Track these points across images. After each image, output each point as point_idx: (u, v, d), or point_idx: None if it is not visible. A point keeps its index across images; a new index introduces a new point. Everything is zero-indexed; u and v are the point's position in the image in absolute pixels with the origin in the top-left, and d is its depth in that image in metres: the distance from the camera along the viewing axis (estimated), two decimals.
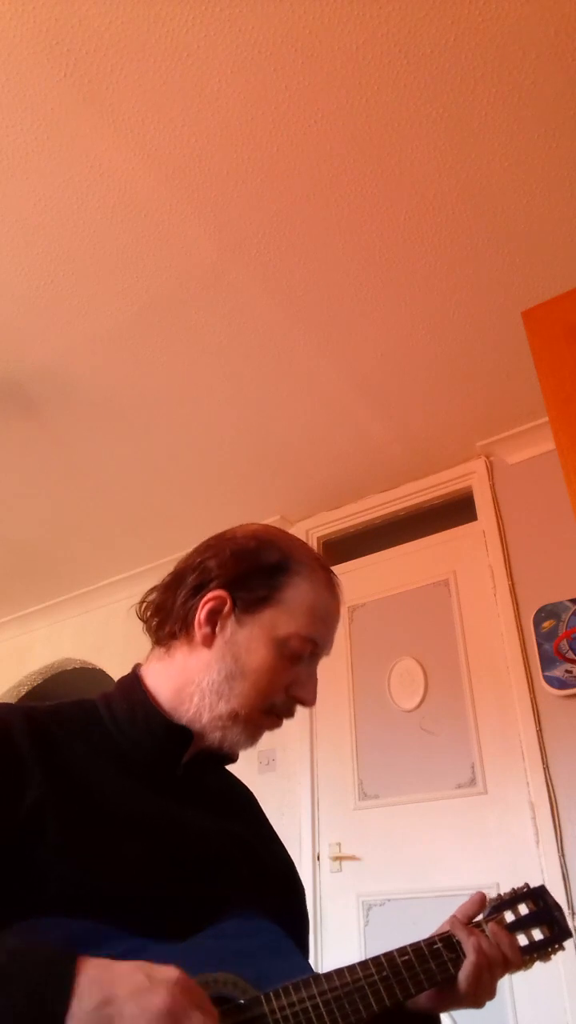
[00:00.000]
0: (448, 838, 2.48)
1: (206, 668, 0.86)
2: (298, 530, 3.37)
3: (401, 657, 2.83)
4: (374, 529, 3.23)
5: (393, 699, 2.79)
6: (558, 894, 2.18)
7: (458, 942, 0.80)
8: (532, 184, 1.88)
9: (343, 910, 2.59)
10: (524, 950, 0.85)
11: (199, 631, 0.87)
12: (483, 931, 0.82)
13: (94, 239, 2.00)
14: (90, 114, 1.70)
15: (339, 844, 2.69)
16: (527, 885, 0.90)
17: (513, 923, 0.86)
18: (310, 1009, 0.69)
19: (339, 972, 0.74)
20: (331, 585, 0.92)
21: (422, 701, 2.72)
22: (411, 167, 1.84)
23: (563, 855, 2.23)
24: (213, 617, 0.87)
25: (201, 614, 0.87)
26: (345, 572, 3.15)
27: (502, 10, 1.54)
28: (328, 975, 0.73)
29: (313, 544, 3.33)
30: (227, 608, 0.87)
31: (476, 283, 2.17)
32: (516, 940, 0.83)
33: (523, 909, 0.87)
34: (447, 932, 0.81)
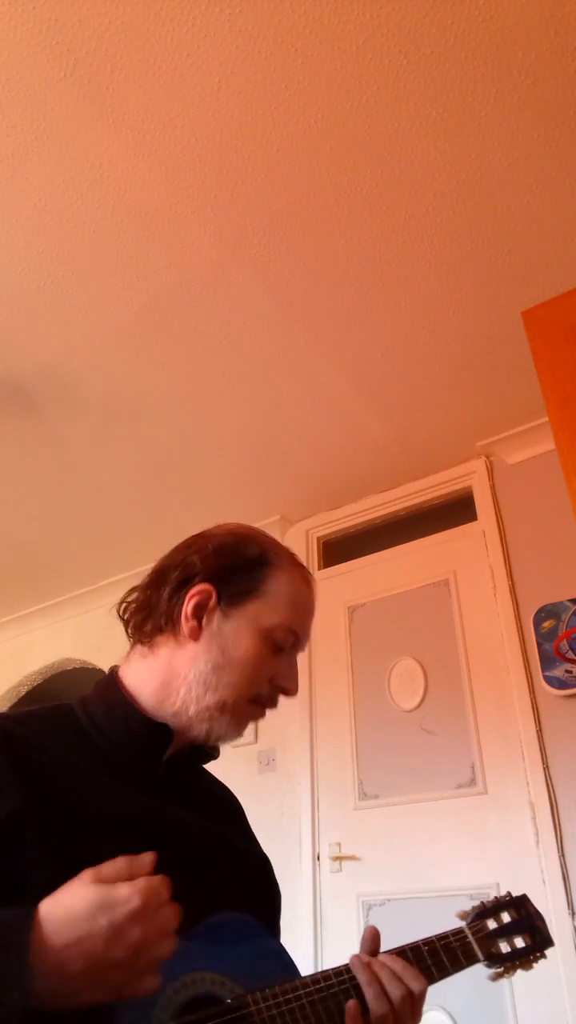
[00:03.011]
0: (448, 838, 2.48)
1: (193, 660, 0.87)
2: (298, 530, 3.37)
3: (401, 657, 2.83)
4: (374, 529, 3.23)
5: (393, 699, 2.79)
6: (558, 894, 2.18)
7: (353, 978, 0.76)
8: (532, 184, 1.88)
9: (343, 910, 2.59)
10: (506, 958, 0.85)
11: (186, 624, 0.88)
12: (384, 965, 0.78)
13: (94, 239, 2.00)
14: (90, 114, 1.70)
15: (339, 844, 2.69)
16: (509, 894, 0.91)
17: (495, 931, 0.86)
18: (296, 1009, 0.70)
19: (324, 974, 0.74)
20: (307, 579, 0.96)
21: (422, 701, 2.72)
22: (411, 167, 1.84)
23: (563, 855, 2.23)
24: (199, 611, 0.89)
25: (188, 608, 0.88)
26: (345, 572, 3.16)
27: (502, 10, 1.54)
28: (314, 976, 0.74)
29: (313, 544, 3.33)
30: (212, 601, 0.89)
31: (476, 283, 2.17)
32: (414, 966, 0.79)
33: (505, 917, 0.88)
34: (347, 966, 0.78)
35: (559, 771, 2.34)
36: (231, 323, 2.29)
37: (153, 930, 0.61)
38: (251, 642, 0.88)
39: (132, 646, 0.93)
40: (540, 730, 2.41)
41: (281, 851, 2.75)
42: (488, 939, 0.86)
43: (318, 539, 3.34)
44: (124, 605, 0.95)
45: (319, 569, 3.26)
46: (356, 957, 0.79)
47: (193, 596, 0.89)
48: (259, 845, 0.98)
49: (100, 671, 3.69)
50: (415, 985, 0.77)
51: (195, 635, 0.88)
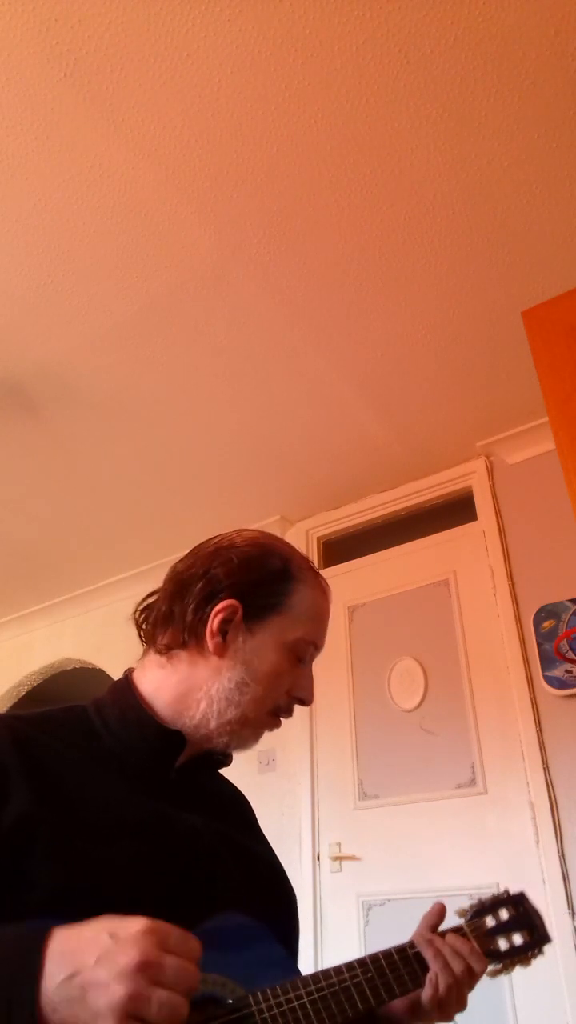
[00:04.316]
0: (448, 838, 2.48)
1: (216, 675, 0.87)
2: (298, 530, 3.37)
3: (401, 657, 2.83)
4: (374, 529, 3.23)
5: (393, 699, 2.79)
6: (558, 894, 2.18)
7: (417, 953, 0.80)
8: (532, 184, 1.88)
9: (343, 910, 2.59)
10: (504, 955, 0.85)
11: (211, 640, 0.87)
12: (445, 942, 0.82)
13: (94, 239, 2.00)
14: (90, 114, 1.70)
15: (339, 844, 2.69)
16: (507, 891, 0.91)
17: (493, 928, 0.86)
18: (297, 1008, 0.70)
19: (325, 973, 0.75)
20: (324, 588, 0.96)
21: (422, 701, 2.72)
22: (411, 167, 1.84)
23: (563, 855, 2.23)
24: (224, 626, 0.87)
25: (213, 624, 0.87)
26: (345, 572, 3.16)
27: (502, 10, 1.54)
28: (315, 975, 0.74)
29: (313, 544, 3.33)
30: (238, 617, 0.88)
31: (476, 283, 2.17)
32: (477, 948, 0.83)
33: (503, 914, 0.88)
34: (410, 941, 0.81)
35: (559, 771, 2.34)
36: (231, 323, 2.29)
37: (157, 961, 0.58)
38: (276, 657, 0.88)
39: (146, 652, 0.93)
40: (540, 730, 2.41)
41: (281, 851, 2.74)
42: (487, 937, 0.86)
43: (318, 539, 3.34)
44: (143, 613, 0.94)
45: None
46: (419, 933, 0.82)
47: (219, 612, 0.87)
48: (272, 851, 0.97)
49: (100, 671, 3.69)
50: (477, 965, 0.81)
51: (220, 651, 0.87)
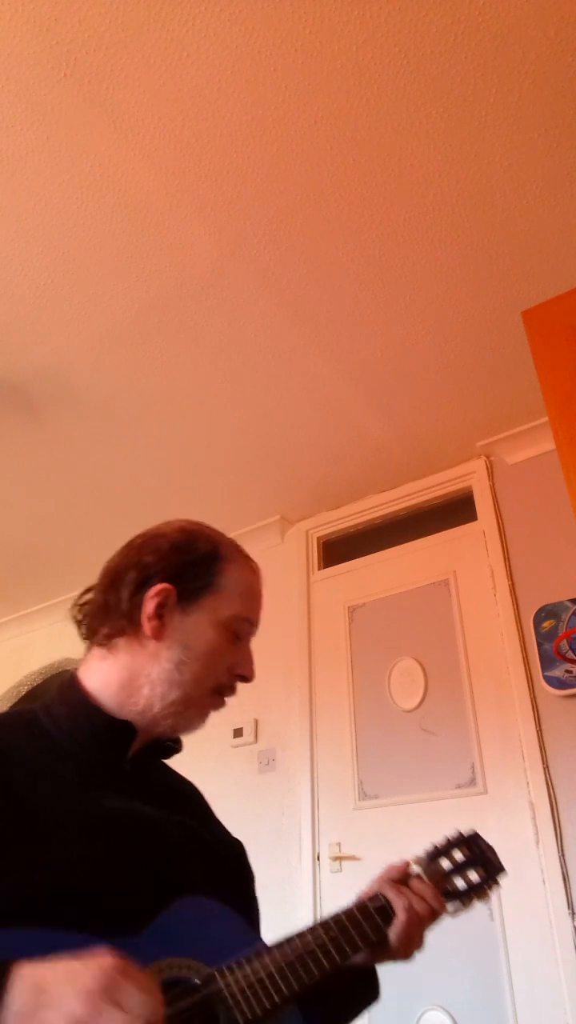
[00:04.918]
0: None
1: (155, 659, 0.89)
2: (298, 530, 3.37)
3: (401, 657, 2.83)
4: (374, 529, 3.23)
5: (393, 699, 2.79)
6: (558, 894, 2.18)
7: (388, 903, 0.86)
8: (532, 184, 1.89)
9: None
10: (463, 892, 0.91)
11: (148, 624, 0.89)
12: (409, 888, 0.88)
13: (94, 239, 2.00)
14: (90, 114, 1.70)
15: (339, 844, 2.69)
16: (460, 832, 0.97)
17: (450, 870, 0.92)
18: (265, 979, 0.72)
19: (289, 939, 0.77)
20: (254, 567, 1.00)
21: (422, 701, 2.72)
22: (411, 167, 1.84)
23: (563, 855, 2.23)
24: (160, 609, 0.90)
25: (149, 608, 0.90)
26: (345, 572, 3.16)
27: (502, 10, 1.54)
28: (279, 943, 0.76)
29: (313, 544, 3.33)
30: (172, 600, 0.91)
31: (476, 283, 2.17)
32: (438, 892, 0.89)
33: (458, 855, 0.94)
34: (376, 893, 0.87)
35: (559, 771, 2.34)
36: (231, 323, 2.29)
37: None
38: (212, 635, 0.91)
39: (89, 648, 0.95)
40: (540, 730, 2.41)
41: (281, 851, 2.75)
42: (443, 879, 0.91)
43: (318, 539, 3.34)
44: (80, 608, 0.97)
45: (319, 569, 3.26)
46: (381, 882, 0.89)
47: (153, 596, 0.90)
48: (228, 832, 0.99)
49: None
50: (438, 906, 0.88)
51: (158, 634, 0.90)
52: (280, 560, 3.33)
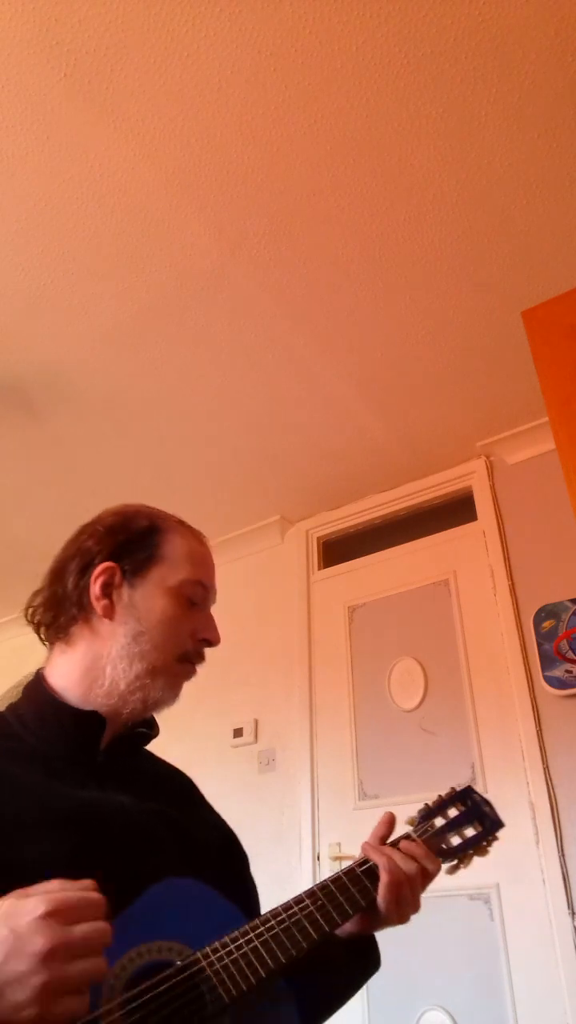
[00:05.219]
0: None
1: (111, 637, 0.89)
2: (298, 530, 3.37)
3: (401, 657, 2.83)
4: (374, 529, 3.23)
5: (393, 699, 2.79)
6: (558, 894, 2.18)
7: (373, 865, 0.84)
8: (532, 184, 1.89)
9: None
10: (459, 849, 0.90)
11: (98, 604, 0.90)
12: (397, 849, 0.86)
13: (94, 239, 2.00)
14: (90, 114, 1.70)
15: (339, 844, 2.69)
16: (453, 789, 0.95)
17: (444, 826, 0.90)
18: (248, 953, 0.71)
19: (274, 911, 0.76)
20: (198, 537, 1.01)
21: (422, 701, 2.72)
22: (411, 167, 1.84)
23: (563, 855, 2.23)
24: (107, 589, 0.91)
25: (95, 589, 0.91)
26: (345, 572, 3.16)
27: (502, 10, 1.54)
28: (264, 917, 0.75)
29: (313, 544, 3.33)
30: (118, 577, 0.92)
31: (476, 283, 2.17)
32: (429, 850, 0.87)
33: (452, 812, 0.92)
34: (362, 857, 0.85)
35: (559, 771, 2.34)
36: (231, 323, 2.29)
37: (64, 940, 0.58)
38: (164, 603, 0.91)
39: (51, 647, 0.95)
40: (540, 730, 2.41)
41: (281, 851, 2.75)
42: (436, 837, 0.89)
43: (318, 539, 3.34)
44: (31, 610, 0.96)
45: (319, 569, 3.26)
46: (367, 844, 0.86)
47: (98, 576, 0.91)
48: (221, 819, 0.99)
49: None
50: (430, 865, 0.86)
51: (109, 613, 0.90)
52: (280, 560, 3.33)
